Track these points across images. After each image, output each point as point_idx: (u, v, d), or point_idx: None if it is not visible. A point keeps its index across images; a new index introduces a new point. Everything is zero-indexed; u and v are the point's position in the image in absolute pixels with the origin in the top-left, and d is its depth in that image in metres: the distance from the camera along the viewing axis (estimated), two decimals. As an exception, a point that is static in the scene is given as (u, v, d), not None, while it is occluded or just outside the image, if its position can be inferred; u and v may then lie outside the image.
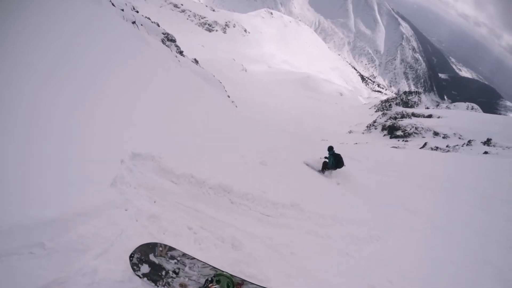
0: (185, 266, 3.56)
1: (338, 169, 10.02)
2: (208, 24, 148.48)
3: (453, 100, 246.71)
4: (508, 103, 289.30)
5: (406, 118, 50.15)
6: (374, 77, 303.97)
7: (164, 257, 3.57)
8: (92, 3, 15.11)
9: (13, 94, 4.97)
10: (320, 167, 10.31)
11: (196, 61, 37.89)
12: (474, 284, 5.37)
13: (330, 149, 10.36)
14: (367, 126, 53.29)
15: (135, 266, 3.34)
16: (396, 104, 73.03)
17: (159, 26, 36.31)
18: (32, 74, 5.83)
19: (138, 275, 3.32)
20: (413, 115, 51.40)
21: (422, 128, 41.90)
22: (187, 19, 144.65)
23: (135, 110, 7.77)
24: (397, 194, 9.76)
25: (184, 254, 3.64)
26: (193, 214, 4.85)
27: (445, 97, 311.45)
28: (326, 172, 10.16)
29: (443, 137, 38.00)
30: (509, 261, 6.74)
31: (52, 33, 8.12)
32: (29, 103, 5.02)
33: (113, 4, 23.46)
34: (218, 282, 3.24)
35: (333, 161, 9.90)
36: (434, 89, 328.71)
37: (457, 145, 32.00)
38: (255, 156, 10.13)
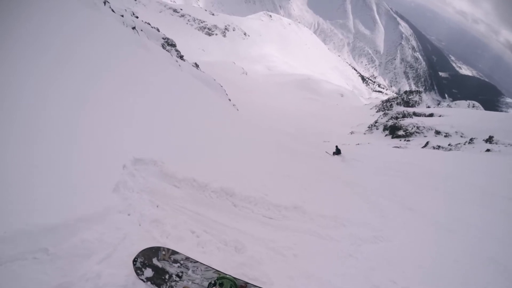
0: (188, 269, 3.57)
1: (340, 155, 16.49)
2: (208, 28, 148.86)
3: (454, 98, 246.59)
4: (509, 100, 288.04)
5: (407, 117, 50.01)
6: (375, 77, 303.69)
7: (167, 261, 3.58)
8: (90, 9, 15.19)
9: (13, 94, 5.02)
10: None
11: (197, 65, 37.95)
12: (478, 281, 5.35)
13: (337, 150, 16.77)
14: (369, 127, 53.18)
15: (138, 270, 3.36)
16: (397, 103, 72.72)
17: (159, 31, 36.48)
18: (30, 76, 5.88)
19: (142, 279, 3.33)
20: (415, 114, 51.22)
21: (424, 127, 41.76)
22: (187, 23, 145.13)
23: (135, 114, 7.81)
24: (399, 194, 9.74)
25: (187, 258, 3.65)
26: (196, 218, 4.87)
27: (446, 95, 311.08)
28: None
29: (445, 136, 37.85)
30: (513, 257, 6.71)
31: (50, 35, 8.21)
32: (28, 105, 5.07)
33: (112, 10, 23.59)
34: (221, 285, 3.24)
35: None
36: (435, 87, 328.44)
37: (459, 143, 31.83)
38: (256, 159, 10.16)
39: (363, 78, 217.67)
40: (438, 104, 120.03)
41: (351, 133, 51.54)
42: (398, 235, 6.34)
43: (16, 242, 2.90)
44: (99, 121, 6.22)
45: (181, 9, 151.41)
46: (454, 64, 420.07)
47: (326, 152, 17.50)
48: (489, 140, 30.30)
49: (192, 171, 6.08)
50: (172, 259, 3.61)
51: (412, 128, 42.81)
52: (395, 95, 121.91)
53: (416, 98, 74.79)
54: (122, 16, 24.44)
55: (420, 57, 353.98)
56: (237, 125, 16.58)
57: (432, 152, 26.11)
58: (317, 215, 6.24)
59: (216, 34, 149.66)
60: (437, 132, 39.50)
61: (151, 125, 7.81)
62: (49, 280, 2.81)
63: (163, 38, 33.96)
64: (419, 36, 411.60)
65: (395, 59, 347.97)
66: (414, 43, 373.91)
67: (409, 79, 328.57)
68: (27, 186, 3.59)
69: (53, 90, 6.07)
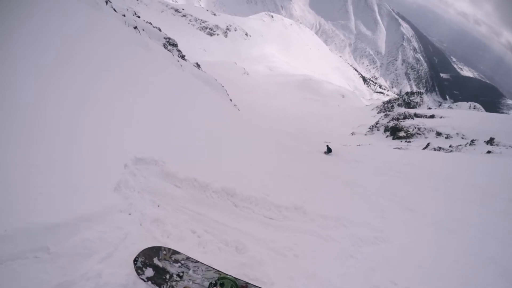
0: (189, 269, 3.57)
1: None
2: (209, 28, 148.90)
3: (455, 100, 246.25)
4: (510, 102, 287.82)
5: (408, 118, 49.85)
6: (376, 79, 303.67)
7: (168, 260, 3.58)
8: (92, 8, 15.21)
9: (13, 94, 5.04)
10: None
11: (198, 65, 37.85)
12: (478, 281, 5.34)
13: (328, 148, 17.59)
14: (370, 128, 52.99)
15: (139, 270, 3.36)
16: (398, 105, 72.49)
17: (160, 30, 36.50)
18: (30, 76, 5.90)
19: (143, 279, 3.33)
20: (416, 115, 51.11)
21: (425, 128, 41.61)
22: (189, 23, 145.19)
23: (135, 114, 7.82)
24: (400, 195, 9.73)
25: (188, 258, 3.65)
26: (197, 218, 4.86)
27: (447, 97, 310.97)
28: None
29: (446, 137, 37.72)
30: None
31: (50, 35, 8.23)
32: (28, 105, 5.08)
33: (114, 10, 23.62)
34: (222, 285, 3.24)
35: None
36: (436, 89, 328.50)
37: (460, 145, 31.77)
38: (257, 159, 10.16)
39: (364, 79, 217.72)
40: (439, 105, 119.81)
41: (352, 134, 51.39)
42: (398, 235, 6.34)
43: (17, 241, 2.90)
44: (99, 121, 6.22)
45: (183, 9, 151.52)
46: (455, 66, 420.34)
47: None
48: (490, 141, 30.23)
49: (193, 171, 6.08)
50: (173, 258, 3.61)
51: (413, 130, 42.69)
52: (396, 96, 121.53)
53: (417, 99, 74.60)
54: (124, 15, 24.44)
55: (421, 58, 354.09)
56: (238, 125, 16.58)
57: (433, 153, 26.05)
58: (317, 216, 6.24)
59: (218, 34, 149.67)
60: (438, 134, 39.38)
61: (151, 125, 7.81)
62: (50, 279, 2.81)
63: (164, 38, 33.94)
64: (421, 37, 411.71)
65: (396, 60, 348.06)
66: (415, 44, 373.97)
67: (410, 80, 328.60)
68: (27, 186, 3.58)
69: (53, 90, 6.08)
